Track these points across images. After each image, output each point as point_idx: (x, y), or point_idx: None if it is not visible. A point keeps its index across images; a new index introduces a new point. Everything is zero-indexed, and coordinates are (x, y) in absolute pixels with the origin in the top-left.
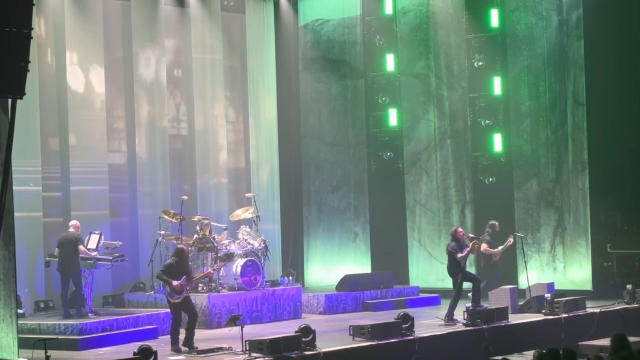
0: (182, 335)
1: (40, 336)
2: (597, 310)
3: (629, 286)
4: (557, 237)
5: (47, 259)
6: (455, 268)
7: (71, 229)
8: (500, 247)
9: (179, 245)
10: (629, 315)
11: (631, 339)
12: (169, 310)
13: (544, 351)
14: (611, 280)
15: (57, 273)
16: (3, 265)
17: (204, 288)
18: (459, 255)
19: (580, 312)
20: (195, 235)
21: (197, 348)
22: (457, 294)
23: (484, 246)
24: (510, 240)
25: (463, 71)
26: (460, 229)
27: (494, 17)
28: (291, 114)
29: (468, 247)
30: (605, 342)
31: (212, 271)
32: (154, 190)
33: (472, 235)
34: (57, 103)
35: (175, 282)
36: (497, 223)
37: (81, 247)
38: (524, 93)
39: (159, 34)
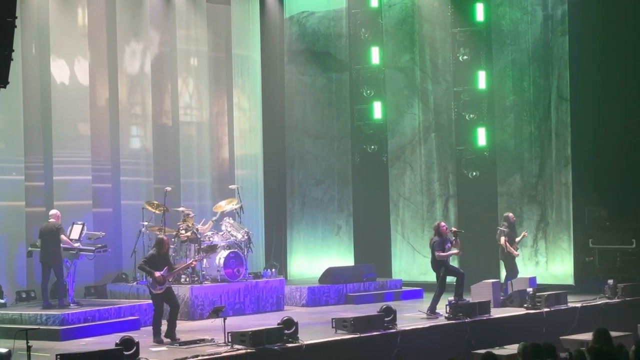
0: (164, 326)
1: (21, 326)
2: (578, 305)
3: (610, 281)
4: (540, 231)
5: (30, 249)
6: (438, 262)
7: (52, 219)
8: (518, 241)
9: (159, 236)
10: (610, 310)
11: (613, 333)
12: (151, 301)
13: (528, 344)
14: (593, 275)
15: (39, 263)
16: None
17: (187, 280)
18: (440, 253)
19: (562, 307)
20: (179, 226)
21: (179, 339)
22: (440, 288)
23: (503, 240)
24: (525, 234)
25: (448, 65)
26: (443, 223)
27: (480, 12)
28: (276, 106)
29: (451, 241)
30: (587, 336)
31: (193, 262)
32: (137, 181)
33: (455, 229)
34: (40, 93)
35: (157, 273)
36: (511, 214)
37: (63, 237)
38: (509, 88)
39: (143, 25)
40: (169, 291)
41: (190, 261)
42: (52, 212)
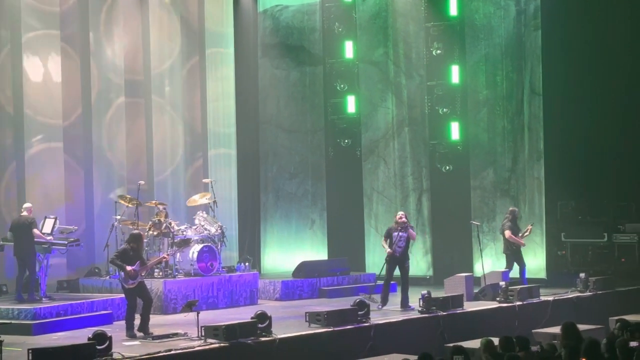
0: (137, 320)
1: None
2: (550, 298)
3: (582, 274)
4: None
5: (1, 242)
6: (406, 254)
7: (24, 213)
8: (524, 234)
9: (135, 231)
10: (582, 303)
11: (584, 327)
12: (124, 295)
13: (491, 339)
14: (565, 269)
15: (10, 257)
16: None
17: (160, 274)
18: (388, 250)
19: (534, 300)
20: (151, 221)
21: (152, 333)
22: (405, 281)
23: (507, 233)
24: (529, 227)
25: (421, 59)
26: (398, 215)
27: (453, 6)
28: (249, 100)
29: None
30: (559, 330)
31: (165, 256)
32: (110, 175)
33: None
34: (12, 86)
35: (129, 268)
36: (516, 209)
37: (36, 231)
38: (482, 82)
39: (116, 17)
40: (142, 285)
41: (162, 255)
42: (26, 205)
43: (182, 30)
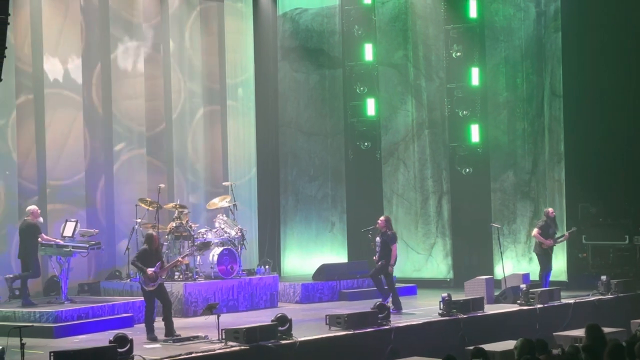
0: (157, 323)
1: (15, 324)
2: (571, 301)
3: (603, 277)
4: (533, 228)
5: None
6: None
7: (29, 217)
8: (557, 238)
9: (148, 232)
10: (603, 306)
11: (606, 329)
12: (143, 298)
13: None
14: (586, 272)
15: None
16: None
17: (181, 277)
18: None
19: (555, 303)
20: (172, 223)
21: (179, 335)
22: (392, 283)
23: (535, 231)
24: (566, 234)
25: (441, 62)
26: (381, 219)
27: (473, 8)
28: (269, 103)
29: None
30: (580, 332)
31: (180, 260)
32: (130, 178)
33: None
34: (34, 91)
35: (149, 270)
36: (550, 210)
37: (43, 236)
38: (502, 84)
39: (136, 21)
40: (161, 288)
41: (177, 259)
42: (29, 208)
43: (201, 33)
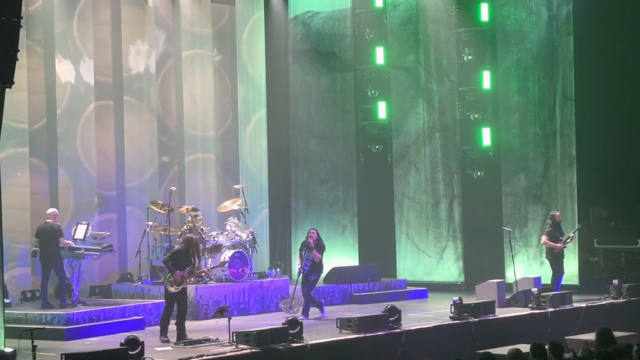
0: (171, 325)
1: (26, 326)
2: (583, 305)
3: (615, 281)
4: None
5: (34, 248)
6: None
7: (49, 219)
8: (565, 239)
9: (187, 235)
10: (615, 310)
11: (617, 333)
12: (156, 301)
13: (517, 348)
14: (597, 275)
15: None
16: None
17: (192, 279)
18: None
19: (567, 307)
20: (184, 227)
21: (190, 339)
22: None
23: (544, 238)
24: (571, 235)
25: (452, 65)
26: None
27: (484, 12)
28: (280, 106)
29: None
30: (592, 336)
31: (207, 270)
32: (142, 181)
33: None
34: (45, 94)
35: (178, 273)
36: (557, 213)
37: (63, 240)
38: (513, 88)
39: (148, 24)
40: (183, 292)
41: (206, 268)
42: (50, 211)
43: (213, 36)
